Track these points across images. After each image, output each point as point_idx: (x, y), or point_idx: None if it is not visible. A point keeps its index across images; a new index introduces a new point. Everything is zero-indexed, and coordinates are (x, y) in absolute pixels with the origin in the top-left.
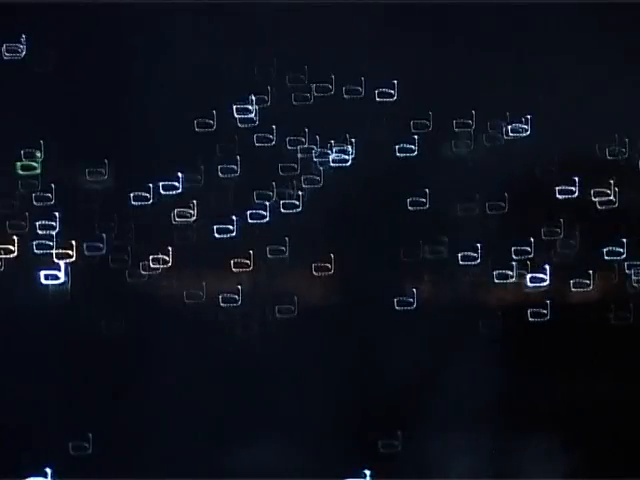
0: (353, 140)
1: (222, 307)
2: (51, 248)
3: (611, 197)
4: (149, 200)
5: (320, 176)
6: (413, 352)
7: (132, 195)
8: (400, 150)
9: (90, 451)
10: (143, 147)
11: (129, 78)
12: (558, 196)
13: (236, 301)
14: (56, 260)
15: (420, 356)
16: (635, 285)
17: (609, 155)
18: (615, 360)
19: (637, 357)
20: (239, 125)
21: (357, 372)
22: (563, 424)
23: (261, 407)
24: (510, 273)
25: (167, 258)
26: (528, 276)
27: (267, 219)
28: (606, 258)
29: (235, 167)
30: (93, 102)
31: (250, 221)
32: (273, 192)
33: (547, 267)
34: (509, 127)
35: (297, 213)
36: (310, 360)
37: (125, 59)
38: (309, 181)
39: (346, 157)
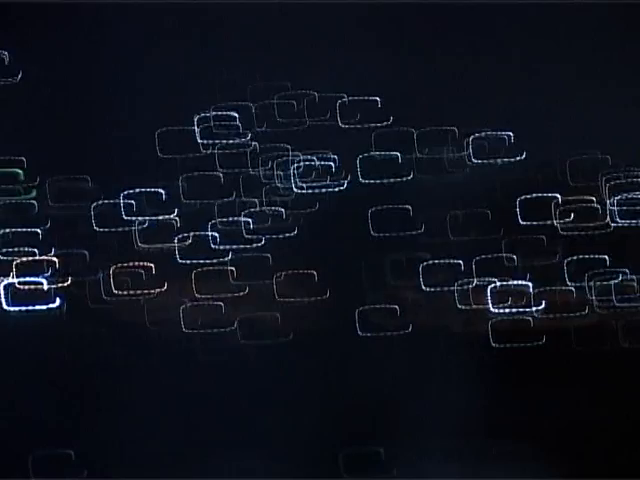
0: (336, 157)
1: (205, 331)
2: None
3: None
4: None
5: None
6: (399, 372)
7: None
8: (383, 169)
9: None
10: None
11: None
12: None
13: (224, 324)
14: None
15: (408, 377)
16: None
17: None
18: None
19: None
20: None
21: (344, 393)
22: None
23: (244, 426)
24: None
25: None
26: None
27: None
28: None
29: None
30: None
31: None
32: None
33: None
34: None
35: (284, 237)
36: (300, 383)
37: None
38: (294, 197)
39: (335, 182)
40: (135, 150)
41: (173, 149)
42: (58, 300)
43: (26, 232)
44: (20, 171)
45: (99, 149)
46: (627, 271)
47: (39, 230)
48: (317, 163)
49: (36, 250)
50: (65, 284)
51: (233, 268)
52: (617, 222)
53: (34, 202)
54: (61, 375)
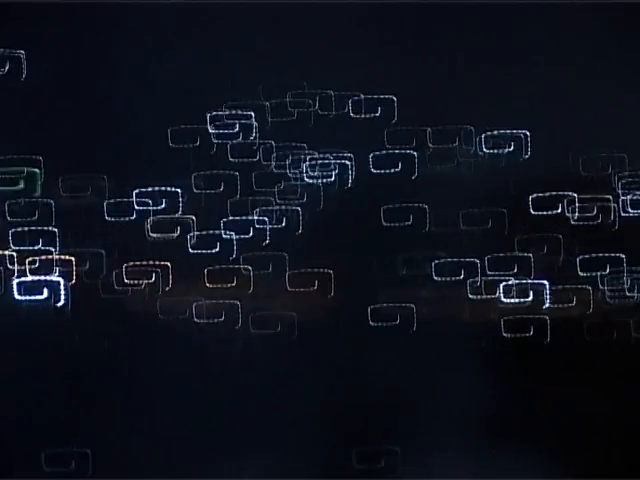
0: (352, 155)
1: (215, 323)
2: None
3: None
4: (150, 211)
5: (318, 193)
6: (408, 368)
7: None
8: (393, 166)
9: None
10: (132, 161)
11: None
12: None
13: (235, 318)
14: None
15: (416, 372)
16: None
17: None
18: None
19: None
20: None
21: (353, 387)
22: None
23: (252, 424)
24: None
25: (163, 275)
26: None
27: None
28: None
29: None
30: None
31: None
32: (270, 205)
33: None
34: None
35: (289, 230)
36: (308, 377)
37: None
38: (308, 195)
39: (344, 175)
40: (148, 148)
41: (186, 147)
42: (70, 295)
43: (41, 230)
44: (36, 170)
45: (112, 147)
46: (637, 268)
47: (53, 227)
48: (330, 160)
49: (51, 248)
50: (79, 280)
51: (246, 266)
52: (630, 214)
53: (48, 200)
54: (72, 367)
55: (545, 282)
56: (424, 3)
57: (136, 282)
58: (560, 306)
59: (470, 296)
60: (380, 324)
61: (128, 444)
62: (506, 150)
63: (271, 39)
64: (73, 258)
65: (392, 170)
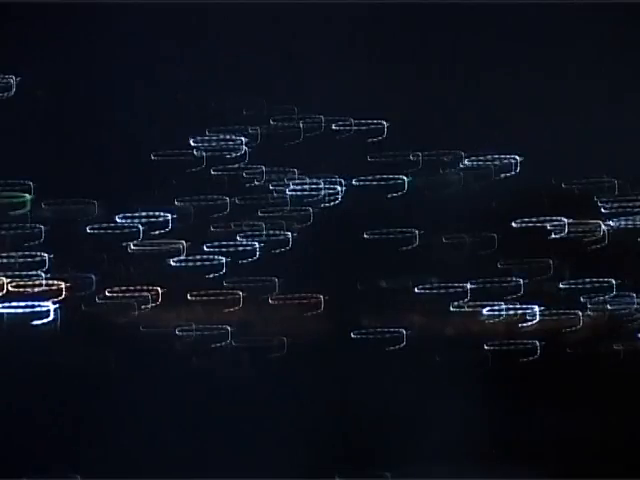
0: (342, 180)
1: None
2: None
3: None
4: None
5: (309, 215)
6: (401, 388)
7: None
8: (386, 188)
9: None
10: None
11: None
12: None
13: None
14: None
15: (405, 394)
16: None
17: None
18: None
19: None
20: (226, 158)
21: (344, 408)
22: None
23: (237, 447)
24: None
25: (155, 295)
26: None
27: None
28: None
29: (224, 201)
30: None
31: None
32: (261, 229)
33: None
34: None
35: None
36: (300, 396)
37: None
38: (297, 219)
39: (336, 195)
40: (134, 172)
41: (171, 170)
42: (55, 314)
43: (28, 254)
44: (23, 194)
45: (98, 172)
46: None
47: (42, 252)
48: (317, 182)
49: (40, 273)
50: (65, 303)
51: (230, 282)
52: (612, 239)
53: (36, 224)
54: (59, 382)
55: (533, 305)
56: (414, 28)
57: (123, 305)
58: (544, 317)
59: (455, 317)
60: (366, 345)
61: (114, 467)
62: (494, 174)
63: (258, 62)
64: (62, 283)
65: (379, 192)
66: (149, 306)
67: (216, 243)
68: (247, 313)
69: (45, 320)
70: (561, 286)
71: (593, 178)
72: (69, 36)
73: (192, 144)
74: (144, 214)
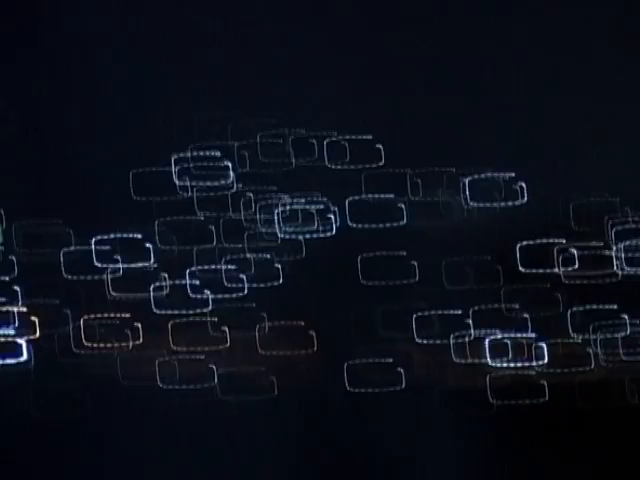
0: (335, 209)
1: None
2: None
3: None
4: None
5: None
6: (400, 431)
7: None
8: (375, 212)
9: None
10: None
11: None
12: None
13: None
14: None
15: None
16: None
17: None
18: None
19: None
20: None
21: (338, 451)
22: None
23: None
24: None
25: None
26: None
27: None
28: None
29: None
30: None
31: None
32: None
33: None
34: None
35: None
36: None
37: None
38: (289, 252)
39: (323, 227)
40: (109, 193)
41: (149, 191)
42: (26, 354)
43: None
44: None
45: (70, 192)
46: (637, 322)
47: (6, 278)
48: (304, 206)
49: (3, 299)
50: (34, 336)
51: (214, 319)
52: (625, 270)
53: (1, 248)
54: (30, 432)
55: (538, 338)
56: (405, 42)
57: (96, 337)
58: (553, 368)
59: (454, 357)
60: (359, 383)
61: None
62: (495, 197)
63: (241, 77)
64: (34, 316)
65: (372, 217)
66: (129, 344)
67: (192, 268)
68: (233, 352)
69: (14, 353)
70: (566, 316)
71: (596, 197)
72: (39, 51)
73: (172, 161)
74: (117, 236)
